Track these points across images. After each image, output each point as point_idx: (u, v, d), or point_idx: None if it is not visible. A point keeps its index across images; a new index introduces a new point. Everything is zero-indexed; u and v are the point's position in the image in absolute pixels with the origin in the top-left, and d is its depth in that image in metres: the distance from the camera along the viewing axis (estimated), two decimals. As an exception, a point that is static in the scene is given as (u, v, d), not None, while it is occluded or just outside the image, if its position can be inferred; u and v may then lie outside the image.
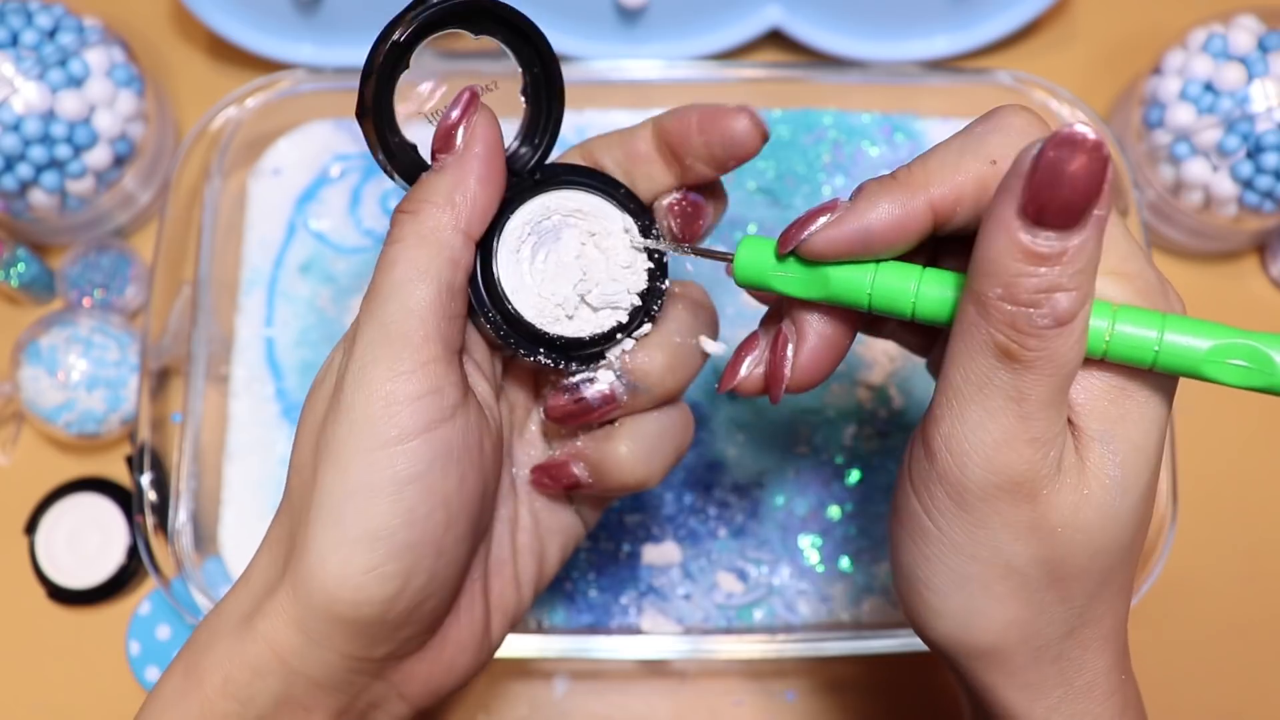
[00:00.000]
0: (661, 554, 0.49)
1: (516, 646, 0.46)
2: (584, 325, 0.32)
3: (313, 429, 0.30)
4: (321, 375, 0.32)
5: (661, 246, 0.33)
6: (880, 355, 0.51)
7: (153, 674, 0.50)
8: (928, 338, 0.35)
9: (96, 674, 0.51)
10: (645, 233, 0.33)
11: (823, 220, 0.28)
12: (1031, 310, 0.25)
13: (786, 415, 0.50)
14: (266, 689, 0.30)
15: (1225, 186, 0.51)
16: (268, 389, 0.51)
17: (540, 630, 0.48)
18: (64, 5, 0.52)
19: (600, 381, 0.33)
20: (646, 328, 0.33)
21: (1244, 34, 0.51)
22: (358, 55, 0.56)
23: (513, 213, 0.32)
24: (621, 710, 0.50)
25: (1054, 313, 0.25)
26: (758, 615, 0.48)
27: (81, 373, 0.50)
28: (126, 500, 0.51)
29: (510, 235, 0.32)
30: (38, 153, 0.50)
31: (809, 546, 0.49)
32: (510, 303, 0.32)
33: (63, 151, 0.50)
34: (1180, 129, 0.52)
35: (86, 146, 0.51)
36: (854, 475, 0.50)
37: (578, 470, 0.34)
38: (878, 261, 0.28)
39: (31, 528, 0.51)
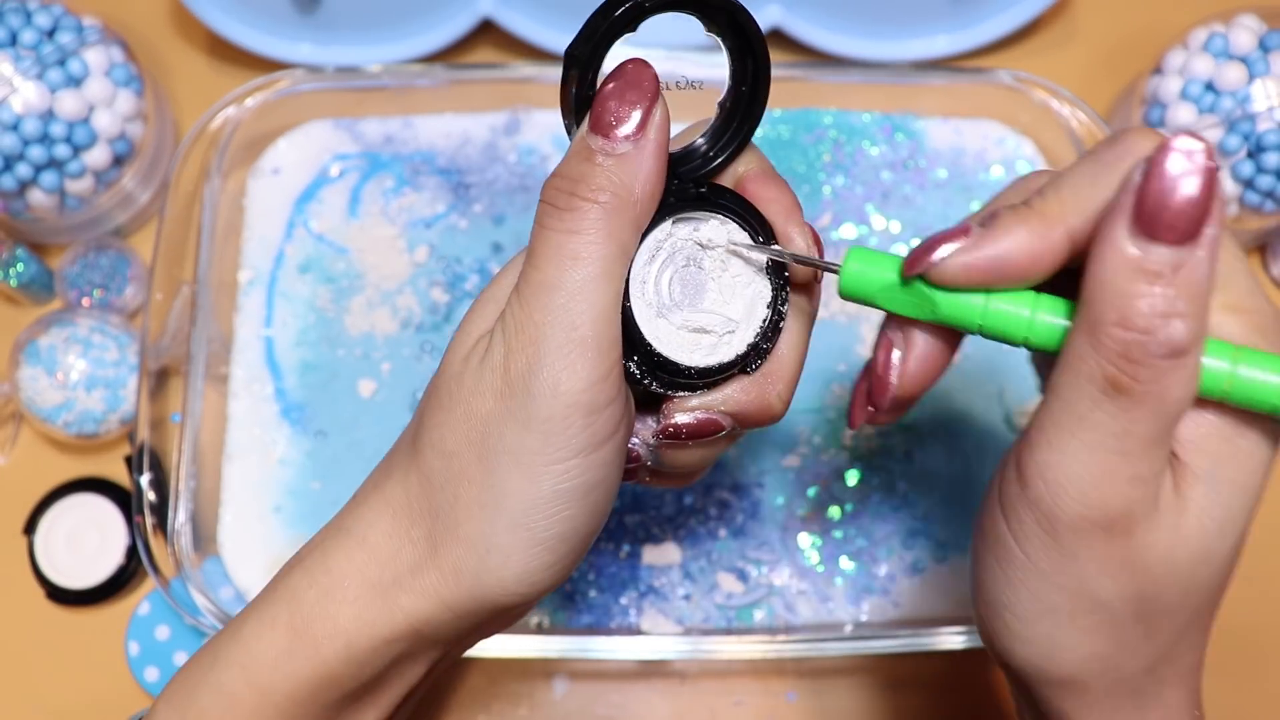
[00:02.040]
0: (661, 554, 0.49)
1: (516, 647, 0.46)
2: (697, 354, 0.30)
3: (474, 420, 0.29)
4: (467, 352, 0.29)
5: (764, 250, 0.30)
6: (880, 355, 0.51)
7: (152, 674, 0.49)
8: (1045, 356, 0.34)
9: (96, 674, 0.50)
10: (780, 280, 0.31)
11: (953, 246, 0.26)
12: (1146, 337, 0.24)
13: (786, 415, 0.50)
14: (390, 652, 0.30)
15: (1226, 186, 0.51)
16: (267, 389, 0.51)
17: (540, 630, 0.48)
18: (63, 4, 0.52)
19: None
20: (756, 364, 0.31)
21: (1245, 33, 0.51)
22: (356, 55, 0.57)
23: (660, 221, 0.30)
24: (621, 711, 0.50)
25: (1170, 341, 0.23)
26: (758, 615, 0.48)
27: (80, 373, 0.50)
28: (125, 500, 0.51)
29: (647, 243, 0.30)
30: (36, 152, 0.50)
31: (809, 547, 0.49)
32: (638, 323, 0.29)
33: (62, 151, 0.50)
34: (1181, 128, 0.51)
35: (85, 146, 0.51)
36: (854, 475, 0.50)
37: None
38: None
39: (30, 528, 0.51)
